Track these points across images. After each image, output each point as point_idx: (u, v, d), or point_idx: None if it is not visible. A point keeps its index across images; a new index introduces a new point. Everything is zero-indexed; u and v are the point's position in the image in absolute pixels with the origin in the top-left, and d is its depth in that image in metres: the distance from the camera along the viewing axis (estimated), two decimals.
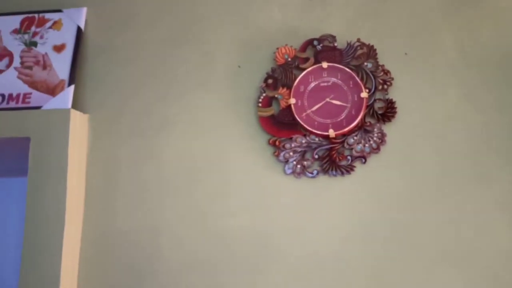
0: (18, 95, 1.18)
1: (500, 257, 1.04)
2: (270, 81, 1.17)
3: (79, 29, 1.25)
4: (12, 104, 1.18)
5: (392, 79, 1.15)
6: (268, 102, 1.16)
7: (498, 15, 1.18)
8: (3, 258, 1.37)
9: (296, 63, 1.18)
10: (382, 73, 1.15)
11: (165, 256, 1.12)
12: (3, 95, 1.19)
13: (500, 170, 1.08)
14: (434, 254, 1.05)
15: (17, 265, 1.27)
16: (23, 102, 1.18)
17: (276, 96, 1.16)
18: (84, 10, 1.27)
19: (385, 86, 1.14)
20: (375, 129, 1.12)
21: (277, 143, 1.13)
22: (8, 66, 1.23)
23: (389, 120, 1.13)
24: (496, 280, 1.02)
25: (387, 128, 1.13)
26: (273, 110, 1.16)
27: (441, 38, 1.18)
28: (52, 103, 1.16)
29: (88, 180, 1.16)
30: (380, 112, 1.13)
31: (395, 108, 1.13)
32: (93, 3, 1.29)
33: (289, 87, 1.15)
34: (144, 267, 1.11)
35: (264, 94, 1.17)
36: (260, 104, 1.16)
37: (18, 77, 1.21)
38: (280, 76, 1.17)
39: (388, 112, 1.13)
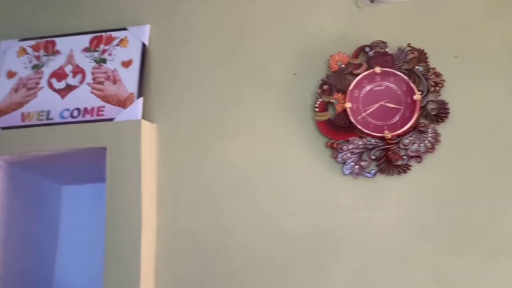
0: (92, 109, 1.29)
1: None
2: (325, 87, 1.24)
3: (143, 45, 1.34)
4: (88, 117, 1.28)
5: (444, 81, 1.20)
6: (324, 107, 1.23)
7: None
8: (77, 258, 1.48)
9: (350, 69, 1.24)
10: (433, 75, 1.20)
11: (232, 255, 1.19)
12: (78, 109, 1.30)
13: None
14: (492, 250, 1.09)
15: (90, 265, 1.38)
16: (98, 114, 1.28)
17: (331, 101, 1.23)
18: (148, 27, 1.37)
19: (437, 88, 1.19)
20: (429, 130, 1.17)
21: (334, 145, 1.20)
22: (81, 82, 1.33)
23: (443, 121, 1.17)
24: None
25: (441, 128, 1.17)
26: (329, 114, 1.22)
27: (490, 39, 1.22)
28: (124, 115, 1.26)
29: (159, 185, 1.25)
30: (433, 113, 1.18)
31: (448, 108, 1.18)
32: (155, 21, 1.39)
33: (344, 92, 1.22)
34: (213, 265, 1.19)
35: (320, 100, 1.23)
36: (317, 109, 1.23)
37: (91, 92, 1.31)
38: (335, 82, 1.24)
39: (441, 113, 1.18)
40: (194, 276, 1.20)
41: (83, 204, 1.53)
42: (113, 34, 1.38)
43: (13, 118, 1.31)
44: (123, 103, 1.28)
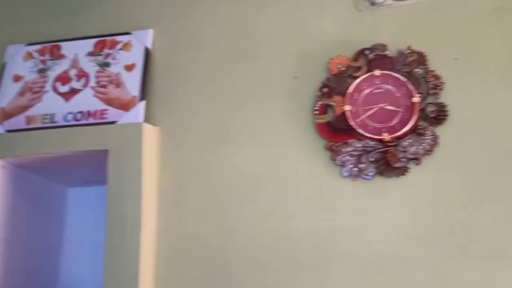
0: (95, 112, 1.31)
1: None
2: (325, 89, 1.25)
3: (146, 49, 1.36)
4: (91, 120, 1.30)
5: (443, 83, 1.20)
6: (324, 109, 1.24)
7: None
8: (82, 260, 1.50)
9: (350, 72, 1.25)
10: (433, 78, 1.20)
11: (234, 259, 1.20)
12: (82, 112, 1.32)
13: None
14: (492, 252, 1.09)
15: (94, 267, 1.40)
16: (101, 117, 1.30)
17: (331, 103, 1.23)
18: (151, 31, 1.39)
19: (436, 91, 1.19)
20: (428, 132, 1.17)
21: (333, 147, 1.20)
22: (85, 85, 1.36)
23: (441, 123, 1.17)
24: None
25: (440, 130, 1.17)
26: (329, 117, 1.23)
27: (491, 42, 1.22)
28: (126, 118, 1.28)
29: (161, 188, 1.27)
30: (432, 115, 1.18)
31: (447, 111, 1.18)
32: (159, 25, 1.41)
33: (343, 95, 1.22)
34: (215, 269, 1.20)
35: (320, 102, 1.24)
36: (316, 112, 1.24)
37: (95, 95, 1.33)
38: (335, 84, 1.24)
39: (440, 115, 1.18)
40: (195, 280, 1.21)
41: (89, 206, 1.55)
42: (117, 38, 1.40)
43: (18, 121, 1.34)
44: (125, 106, 1.30)
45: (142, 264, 1.15)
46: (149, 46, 1.37)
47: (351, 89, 1.22)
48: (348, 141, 1.20)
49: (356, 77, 1.23)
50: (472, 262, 1.09)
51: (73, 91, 1.35)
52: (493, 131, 1.16)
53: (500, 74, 1.19)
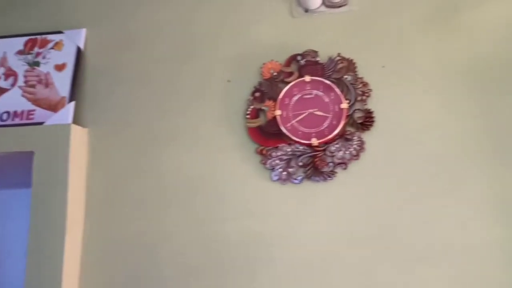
0: (22, 112, 1.27)
1: (478, 256, 1.11)
2: (257, 94, 1.26)
3: (78, 49, 1.34)
4: (17, 121, 1.26)
5: (370, 90, 1.23)
6: (256, 113, 1.25)
7: (472, 28, 1.25)
8: (9, 264, 1.45)
9: (281, 77, 1.26)
10: (361, 85, 1.23)
11: (164, 262, 1.19)
12: (8, 112, 1.28)
13: (475, 174, 1.15)
14: (416, 255, 1.12)
15: (23, 271, 1.35)
16: (27, 118, 1.26)
17: (263, 108, 1.24)
18: (84, 31, 1.36)
19: (364, 97, 1.22)
20: (355, 138, 1.20)
21: (264, 152, 1.21)
22: (13, 85, 1.31)
23: (368, 129, 1.20)
24: (475, 278, 1.09)
25: (366, 136, 1.20)
26: (260, 121, 1.24)
27: (418, 51, 1.26)
28: (54, 119, 1.25)
29: (89, 191, 1.24)
30: (359, 121, 1.21)
31: (373, 117, 1.21)
32: (92, 24, 1.38)
33: (275, 100, 1.24)
34: (144, 273, 1.19)
35: (252, 107, 1.25)
36: (248, 116, 1.24)
37: (23, 95, 1.29)
38: (267, 89, 1.26)
39: (366, 122, 1.21)
40: (123, 283, 1.19)
41: (17, 210, 1.50)
42: (48, 37, 1.37)
43: None
44: (54, 107, 1.27)
45: (65, 269, 1.13)
46: (81, 45, 1.34)
47: (282, 94, 1.24)
48: (278, 145, 1.21)
49: (288, 82, 1.25)
50: (396, 263, 1.12)
51: (0, 91, 1.31)
52: (417, 137, 1.20)
53: (424, 82, 1.23)
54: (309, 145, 1.20)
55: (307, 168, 1.19)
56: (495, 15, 1.25)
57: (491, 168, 1.15)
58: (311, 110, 1.22)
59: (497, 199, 1.13)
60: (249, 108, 1.25)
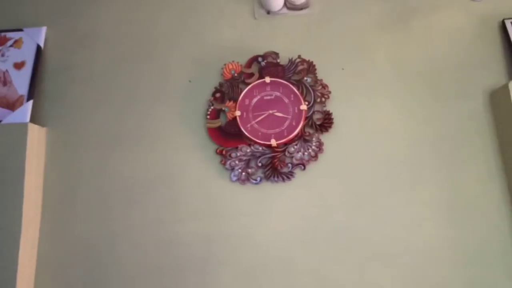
0: None
1: (430, 255, 1.13)
2: (217, 94, 1.26)
3: (38, 47, 1.32)
4: None
5: (330, 92, 1.25)
6: (216, 114, 1.25)
7: (425, 36, 1.29)
8: None
9: (242, 78, 1.27)
10: (320, 87, 1.25)
11: (120, 261, 1.19)
12: None
13: (428, 175, 1.18)
14: (369, 253, 1.15)
15: None
16: None
17: (223, 108, 1.25)
18: (44, 29, 1.35)
19: (323, 99, 1.24)
20: (314, 139, 1.21)
21: (223, 152, 1.22)
22: None
23: (327, 130, 1.22)
24: (425, 277, 1.12)
25: (325, 137, 1.22)
26: (220, 122, 1.24)
27: (375, 55, 1.29)
28: (11, 117, 1.23)
29: (46, 190, 1.23)
30: (318, 123, 1.22)
31: (332, 119, 1.23)
32: (52, 23, 1.37)
33: (235, 100, 1.24)
34: (101, 272, 1.18)
35: (212, 107, 1.25)
36: (208, 117, 1.25)
37: None
38: (227, 90, 1.26)
39: (325, 123, 1.22)
40: (79, 282, 1.18)
41: None
42: (8, 34, 1.35)
43: None
44: (12, 106, 1.25)
45: (20, 270, 1.11)
46: (42, 43, 1.33)
47: (242, 95, 1.24)
48: (238, 146, 1.22)
49: (248, 83, 1.26)
50: (350, 262, 1.14)
51: None
52: (374, 139, 1.22)
53: (382, 85, 1.26)
54: (269, 146, 1.21)
55: (266, 169, 1.20)
56: (448, 21, 1.29)
57: (444, 171, 1.18)
58: (271, 111, 1.23)
59: (449, 201, 1.16)
60: (209, 108, 1.25)
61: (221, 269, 1.16)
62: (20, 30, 1.35)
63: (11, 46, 1.33)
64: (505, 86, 1.16)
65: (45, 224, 1.21)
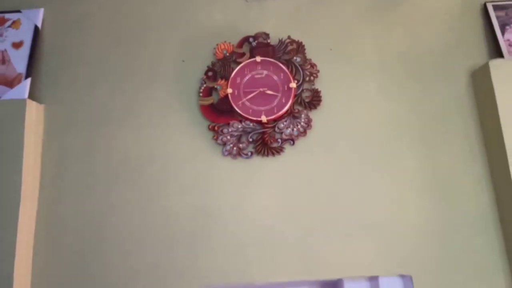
0: None
1: (407, 227, 1.19)
2: (210, 73, 1.31)
3: (36, 27, 1.36)
4: None
5: (318, 71, 1.30)
6: (208, 92, 1.30)
7: (408, 22, 1.36)
8: None
9: (234, 58, 1.32)
10: (309, 66, 1.30)
11: (115, 232, 1.23)
12: None
13: (408, 152, 1.24)
14: (353, 224, 1.20)
15: None
16: None
17: (215, 86, 1.30)
18: (41, 11, 1.39)
19: (312, 78, 1.29)
20: (303, 115, 1.26)
21: (215, 128, 1.26)
22: None
23: (315, 108, 1.27)
24: (405, 246, 1.18)
25: (313, 114, 1.27)
26: (212, 99, 1.29)
27: (361, 37, 1.34)
28: (10, 94, 1.27)
29: (44, 163, 1.27)
30: (307, 100, 1.27)
31: (320, 97, 1.28)
32: (50, 4, 1.41)
33: (227, 79, 1.29)
34: (95, 241, 1.22)
35: (204, 85, 1.30)
36: (201, 94, 1.29)
37: None
38: (219, 69, 1.31)
39: (314, 101, 1.27)
40: (73, 256, 1.21)
41: None
42: (6, 15, 1.38)
43: None
44: (10, 83, 1.29)
45: (19, 241, 1.15)
46: (39, 24, 1.37)
47: (234, 73, 1.29)
48: (230, 122, 1.27)
49: (240, 63, 1.31)
50: (335, 232, 1.20)
51: None
52: (360, 116, 1.27)
53: (368, 65, 1.31)
54: (259, 122, 1.25)
55: (256, 144, 1.25)
56: (432, 5, 1.35)
57: (425, 148, 1.24)
58: (261, 89, 1.28)
59: (430, 176, 1.22)
60: (202, 86, 1.30)
61: (212, 239, 1.21)
62: (18, 11, 1.39)
63: (9, 26, 1.37)
64: (486, 65, 1.22)
65: (43, 195, 1.25)
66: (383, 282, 1.20)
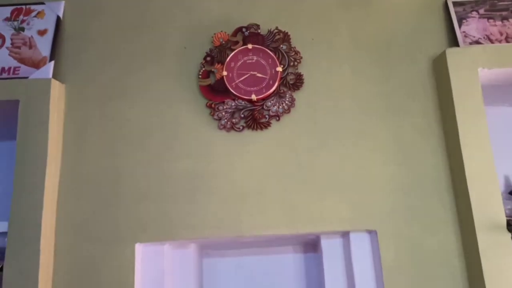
0: (9, 68, 1.51)
1: (374, 188, 1.41)
2: (208, 58, 1.52)
3: (58, 17, 1.57)
4: (5, 75, 1.50)
5: (301, 58, 1.51)
6: (207, 74, 1.51)
7: (382, 12, 1.56)
8: None
9: (229, 45, 1.53)
10: (293, 53, 1.51)
11: (127, 187, 1.44)
12: None
13: (377, 125, 1.45)
14: (329, 186, 1.42)
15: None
16: (14, 73, 1.50)
17: (212, 70, 1.51)
18: (63, 3, 1.60)
19: (296, 63, 1.50)
20: (287, 95, 1.47)
21: (212, 105, 1.48)
22: (1, 46, 1.55)
23: (298, 89, 1.48)
24: (373, 203, 1.40)
25: (296, 94, 1.48)
26: (210, 80, 1.50)
27: (339, 27, 1.55)
28: (36, 74, 1.49)
29: (65, 133, 1.49)
30: (291, 82, 1.49)
31: (303, 79, 1.49)
32: None
33: (222, 63, 1.50)
34: (110, 197, 1.44)
35: (203, 69, 1.51)
36: (200, 76, 1.51)
37: (10, 55, 1.53)
38: (216, 55, 1.52)
39: (297, 83, 1.49)
40: (92, 207, 1.44)
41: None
42: (32, 7, 1.60)
43: None
44: (37, 65, 1.51)
45: (46, 197, 1.37)
46: (61, 14, 1.58)
47: (228, 58, 1.50)
48: (225, 100, 1.48)
49: (234, 49, 1.51)
50: (313, 193, 1.41)
51: None
52: (337, 96, 1.48)
53: (344, 52, 1.52)
54: (250, 101, 1.47)
55: (247, 119, 1.46)
56: (400, 4, 1.57)
57: (391, 120, 1.45)
58: (252, 72, 1.49)
59: (392, 144, 1.43)
60: (201, 69, 1.51)
61: (207, 198, 1.42)
62: (42, 3, 1.61)
63: (34, 16, 1.59)
64: (443, 53, 1.42)
65: (64, 163, 1.47)
66: (353, 238, 1.42)
